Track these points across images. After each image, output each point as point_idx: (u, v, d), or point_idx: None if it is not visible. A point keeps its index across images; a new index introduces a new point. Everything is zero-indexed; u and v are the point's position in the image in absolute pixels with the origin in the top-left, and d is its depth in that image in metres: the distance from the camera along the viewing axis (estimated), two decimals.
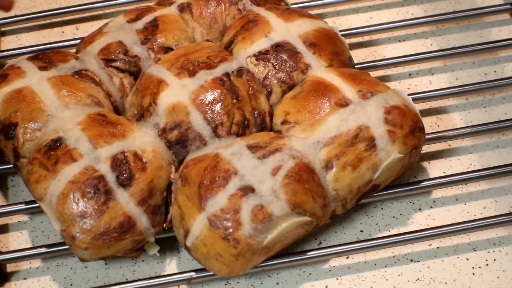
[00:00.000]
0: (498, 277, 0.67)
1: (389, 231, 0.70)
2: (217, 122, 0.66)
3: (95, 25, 0.88)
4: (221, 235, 0.60)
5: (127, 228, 0.62)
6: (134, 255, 0.65)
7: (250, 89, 0.68)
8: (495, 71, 0.82)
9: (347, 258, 0.69)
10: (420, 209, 0.72)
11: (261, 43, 0.70)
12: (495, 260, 0.68)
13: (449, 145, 0.76)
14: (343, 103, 0.66)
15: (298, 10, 0.75)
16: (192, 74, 0.67)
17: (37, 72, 0.69)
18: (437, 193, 0.73)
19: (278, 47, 0.70)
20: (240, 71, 0.69)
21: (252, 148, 0.63)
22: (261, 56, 0.70)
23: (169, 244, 0.69)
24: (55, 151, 0.63)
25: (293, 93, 0.68)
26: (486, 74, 0.82)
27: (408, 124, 0.66)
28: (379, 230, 0.70)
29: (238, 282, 0.68)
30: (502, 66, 0.83)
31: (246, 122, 0.67)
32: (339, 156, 0.64)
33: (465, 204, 0.72)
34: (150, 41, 0.72)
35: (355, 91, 0.67)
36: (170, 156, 0.66)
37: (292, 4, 0.84)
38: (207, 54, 0.69)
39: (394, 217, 0.71)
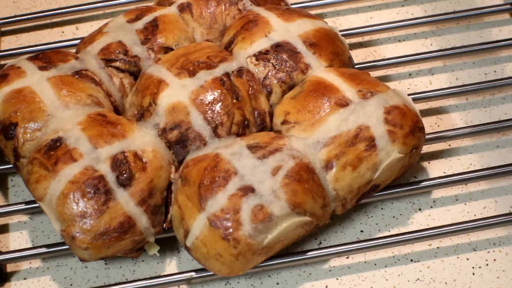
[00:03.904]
0: (498, 277, 0.67)
1: (389, 231, 0.70)
2: (217, 122, 0.66)
3: (95, 25, 0.88)
4: (221, 235, 0.60)
5: (127, 228, 0.62)
6: (134, 255, 0.65)
7: (250, 89, 0.68)
8: (495, 71, 0.82)
9: (347, 258, 0.69)
10: (420, 209, 0.72)
11: (261, 43, 0.70)
12: (495, 260, 0.68)
13: (449, 145, 0.76)
14: (343, 103, 0.66)
15: (298, 10, 0.75)
16: (192, 74, 0.67)
17: (37, 72, 0.69)
18: (437, 193, 0.73)
19: (278, 47, 0.70)
20: (240, 71, 0.69)
21: (252, 148, 0.63)
22: (261, 56, 0.70)
23: (169, 244, 0.69)
24: (55, 151, 0.64)
25: (293, 93, 0.68)
26: (486, 74, 0.82)
27: (408, 124, 0.66)
28: (379, 230, 0.70)
29: (238, 282, 0.68)
30: (502, 66, 0.83)
31: (246, 122, 0.67)
32: (339, 156, 0.64)
33: (465, 204, 0.72)
34: (150, 41, 0.72)
35: (355, 91, 0.67)
36: (170, 156, 0.66)
37: (292, 4, 0.84)
38: (207, 54, 0.69)
39: (394, 217, 0.71)
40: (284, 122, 0.67)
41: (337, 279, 0.68)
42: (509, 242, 0.69)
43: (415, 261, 0.68)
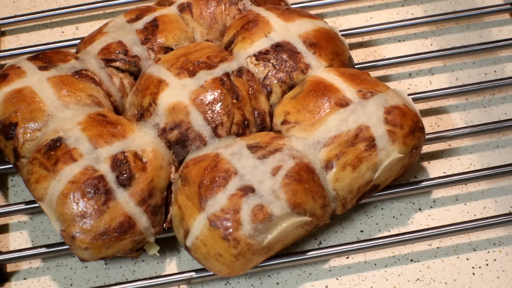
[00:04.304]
0: (498, 277, 0.67)
1: (389, 231, 0.70)
2: (217, 122, 0.66)
3: (95, 25, 0.88)
4: (221, 235, 0.60)
5: (127, 228, 0.62)
6: (134, 255, 0.65)
7: (250, 89, 0.68)
8: (495, 71, 0.82)
9: (347, 258, 0.69)
10: (420, 209, 0.72)
11: (261, 43, 0.70)
12: (495, 260, 0.68)
13: (449, 145, 0.76)
14: (343, 103, 0.66)
15: (298, 10, 0.75)
16: (192, 74, 0.67)
17: (37, 72, 0.69)
18: (437, 193, 0.73)
19: (278, 47, 0.70)
20: (240, 71, 0.69)
21: (252, 148, 0.63)
22: (261, 56, 0.70)
23: (169, 244, 0.69)
24: (55, 151, 0.64)
25: (293, 93, 0.68)
26: (486, 74, 0.82)
27: (408, 124, 0.66)
28: (379, 230, 0.70)
29: (238, 282, 0.68)
30: (502, 66, 0.83)
31: (246, 122, 0.67)
32: (339, 156, 0.64)
33: (465, 204, 0.72)
34: (150, 41, 0.72)
35: (355, 91, 0.67)
36: (170, 156, 0.66)
37: (292, 4, 0.84)
38: (207, 54, 0.69)
39: (394, 217, 0.71)
40: (284, 122, 0.67)
41: (337, 279, 0.68)
42: (509, 242, 0.69)
43: (415, 261, 0.68)
